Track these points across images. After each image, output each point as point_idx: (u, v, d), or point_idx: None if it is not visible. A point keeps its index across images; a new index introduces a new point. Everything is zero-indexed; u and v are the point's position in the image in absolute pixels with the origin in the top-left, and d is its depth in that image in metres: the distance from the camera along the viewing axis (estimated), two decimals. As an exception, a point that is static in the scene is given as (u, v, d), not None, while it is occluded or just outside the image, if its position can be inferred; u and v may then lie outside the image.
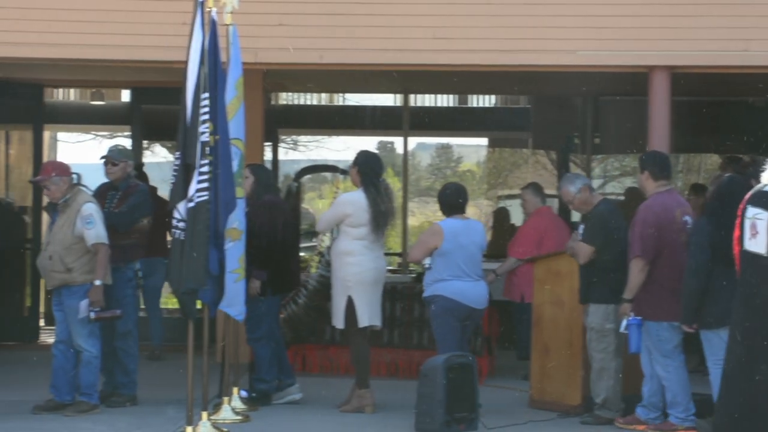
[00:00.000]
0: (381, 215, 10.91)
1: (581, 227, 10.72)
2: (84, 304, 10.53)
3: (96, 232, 10.57)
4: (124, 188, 11.27)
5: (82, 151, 24.60)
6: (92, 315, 10.56)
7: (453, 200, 11.00)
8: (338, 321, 10.93)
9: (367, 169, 11.05)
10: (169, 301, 17.99)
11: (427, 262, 10.83)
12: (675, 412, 10.02)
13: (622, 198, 16.44)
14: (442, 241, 10.69)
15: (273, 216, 11.28)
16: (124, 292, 11.12)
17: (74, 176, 11.00)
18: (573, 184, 10.83)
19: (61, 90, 19.91)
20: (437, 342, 10.85)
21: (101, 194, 11.36)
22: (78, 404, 10.66)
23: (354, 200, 10.96)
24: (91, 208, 10.64)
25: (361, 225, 10.87)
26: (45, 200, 11.41)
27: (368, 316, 10.86)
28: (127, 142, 17.37)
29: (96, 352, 10.69)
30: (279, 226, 11.35)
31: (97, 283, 10.55)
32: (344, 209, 10.98)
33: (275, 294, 11.43)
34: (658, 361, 10.06)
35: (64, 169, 10.86)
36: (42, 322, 16.67)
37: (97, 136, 23.60)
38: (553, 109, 18.32)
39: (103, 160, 11.35)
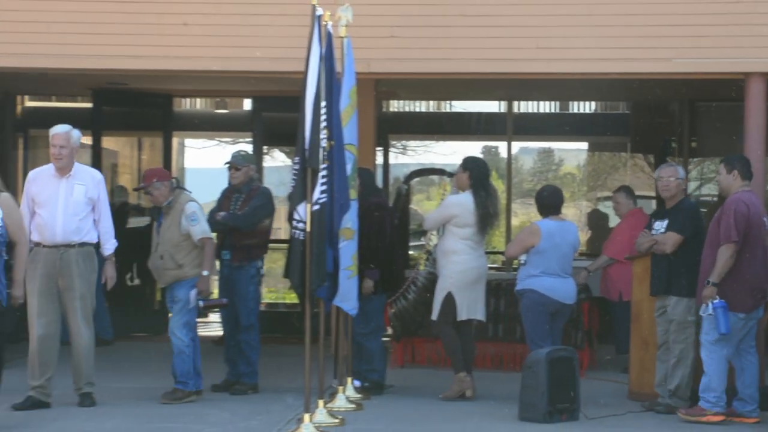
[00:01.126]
0: (488, 217, 10.99)
1: (657, 223, 10.67)
2: (193, 293, 10.67)
3: (201, 227, 10.70)
4: (247, 191, 11.34)
5: (206, 156, 24.84)
6: (201, 303, 10.73)
7: (549, 201, 11.02)
8: (434, 313, 11.07)
9: (477, 173, 11.07)
10: (287, 296, 18.13)
11: (522, 258, 10.90)
12: (707, 397, 9.94)
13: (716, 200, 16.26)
14: (540, 240, 10.72)
15: (381, 217, 11.32)
16: (248, 288, 11.24)
17: (174, 180, 11.13)
18: (680, 171, 10.87)
19: (188, 99, 20.12)
20: (527, 333, 10.90)
21: (226, 197, 11.49)
22: (174, 392, 10.75)
23: (462, 202, 11.01)
24: (194, 206, 10.77)
25: (467, 226, 10.91)
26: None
27: (467, 310, 10.97)
28: (248, 148, 17.50)
29: (188, 341, 10.74)
30: (386, 228, 11.40)
31: (205, 273, 10.70)
32: (452, 210, 11.03)
33: (383, 292, 11.51)
34: (706, 347, 9.99)
35: (164, 175, 11.03)
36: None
37: (221, 142, 23.81)
38: (650, 114, 18.13)
39: (227, 165, 11.44)
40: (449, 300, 10.94)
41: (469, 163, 11.25)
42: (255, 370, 11.34)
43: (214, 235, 11.03)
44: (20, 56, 12.06)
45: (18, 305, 9.37)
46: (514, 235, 16.66)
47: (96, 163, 16.54)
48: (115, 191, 17.19)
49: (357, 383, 11.11)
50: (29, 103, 18.46)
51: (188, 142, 22.87)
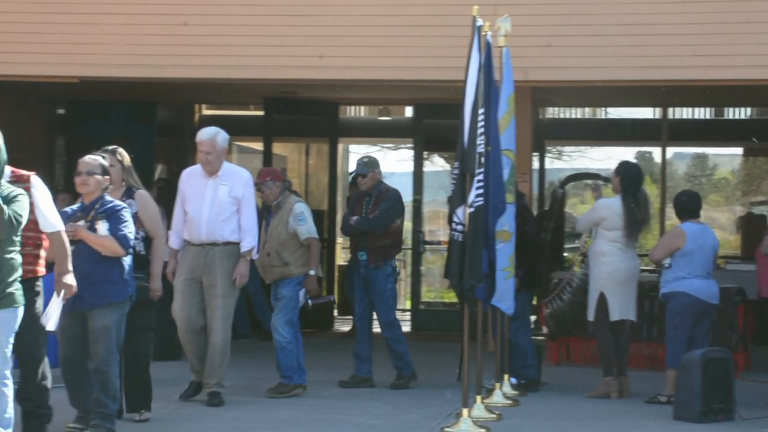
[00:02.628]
0: (636, 223, 10.89)
1: None
2: (302, 292, 10.69)
3: (308, 227, 10.71)
4: (377, 194, 11.29)
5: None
6: (310, 302, 10.75)
7: (689, 205, 10.93)
8: (590, 314, 10.98)
9: (629, 179, 10.98)
10: (445, 295, 18.14)
11: (666, 261, 10.72)
12: None
13: None
14: (685, 243, 10.60)
15: (523, 219, 11.24)
16: (385, 286, 11.19)
17: (285, 182, 11.18)
18: None
19: (353, 107, 20.29)
20: (669, 334, 10.75)
21: (357, 201, 11.50)
22: (279, 386, 10.72)
23: (610, 205, 10.96)
24: (302, 207, 10.80)
25: (615, 229, 10.84)
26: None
27: (619, 310, 10.86)
28: (409, 153, 17.57)
29: (290, 338, 10.70)
30: (529, 229, 11.35)
31: (311, 273, 10.70)
32: (600, 213, 10.99)
33: (527, 291, 11.50)
34: None
35: (277, 175, 11.04)
36: (335, 312, 17.02)
37: (383, 147, 23.94)
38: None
39: (354, 175, 11.52)
40: (602, 301, 10.88)
41: (622, 167, 11.18)
42: (407, 361, 11.32)
43: (344, 234, 11.00)
44: (203, 68, 12.32)
45: (156, 298, 9.32)
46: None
47: (267, 166, 16.80)
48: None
49: (514, 381, 11.06)
50: (206, 112, 18.83)
51: (352, 147, 23.02)
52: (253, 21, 12.04)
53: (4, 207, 7.06)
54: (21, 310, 7.38)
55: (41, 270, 7.89)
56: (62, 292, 7.79)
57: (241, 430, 9.18)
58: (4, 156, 7.40)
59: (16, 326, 7.36)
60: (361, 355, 11.41)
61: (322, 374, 11.53)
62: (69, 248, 7.89)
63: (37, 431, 7.89)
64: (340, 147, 19.07)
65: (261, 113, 17.32)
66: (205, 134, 10.24)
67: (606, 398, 10.84)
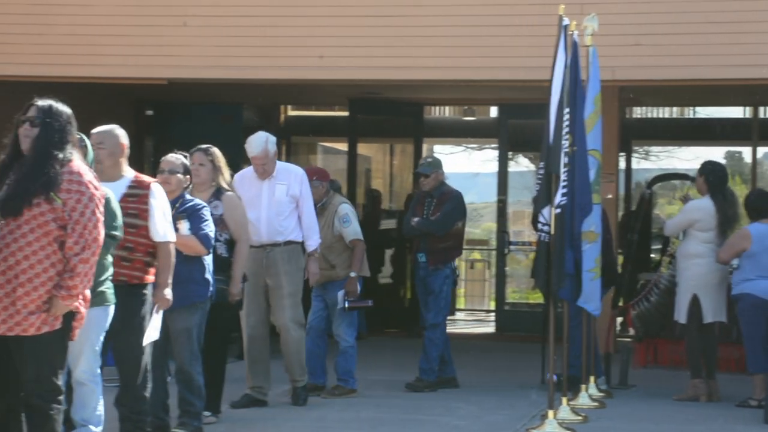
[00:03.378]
0: (727, 221, 10.80)
1: None
2: (341, 294, 10.60)
3: (353, 229, 10.65)
4: (439, 195, 11.21)
5: (453, 161, 24.97)
6: (346, 304, 10.66)
7: (757, 205, 10.82)
8: (681, 316, 10.88)
9: (714, 177, 10.91)
10: (530, 296, 18.07)
11: (735, 262, 10.69)
12: None
13: None
14: (751, 244, 10.48)
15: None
16: (441, 288, 11.07)
17: (331, 182, 11.10)
18: None
19: (437, 108, 20.29)
20: (744, 336, 10.65)
21: (419, 202, 11.44)
22: (335, 388, 10.73)
23: (702, 207, 10.88)
24: (347, 209, 10.74)
25: (709, 230, 10.75)
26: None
27: (712, 312, 10.78)
28: (493, 154, 17.53)
29: (352, 341, 10.73)
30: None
31: (352, 275, 10.63)
32: (693, 215, 10.90)
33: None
34: None
35: (324, 174, 10.96)
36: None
37: (467, 148, 23.94)
38: None
39: (416, 175, 11.48)
40: (695, 302, 10.78)
41: (706, 167, 11.11)
42: (434, 369, 11.14)
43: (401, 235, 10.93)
44: (288, 69, 12.40)
45: (234, 302, 9.33)
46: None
47: (351, 168, 16.90)
48: (367, 194, 17.49)
49: (601, 382, 11.03)
50: (291, 113, 18.95)
51: (437, 147, 23.02)
52: (338, 22, 12.08)
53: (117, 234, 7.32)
54: (112, 309, 7.47)
55: (150, 278, 7.89)
56: (157, 305, 7.86)
57: (326, 428, 9.21)
58: (92, 156, 7.53)
59: (107, 325, 7.45)
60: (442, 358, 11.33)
61: (408, 374, 11.55)
62: (173, 261, 7.95)
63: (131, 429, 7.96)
64: (425, 147, 19.05)
65: (346, 114, 17.39)
66: (256, 147, 10.03)
67: (695, 401, 10.74)
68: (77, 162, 6.69)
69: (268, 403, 9.90)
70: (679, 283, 11.01)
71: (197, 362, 8.68)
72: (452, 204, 11.20)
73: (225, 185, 9.29)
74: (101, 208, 6.67)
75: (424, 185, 11.36)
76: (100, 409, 7.49)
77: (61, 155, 6.58)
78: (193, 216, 8.54)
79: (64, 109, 6.77)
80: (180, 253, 8.33)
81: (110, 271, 7.45)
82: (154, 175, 8.49)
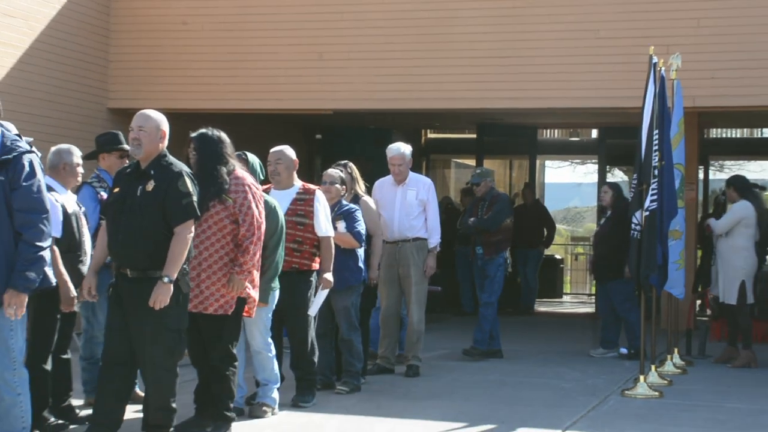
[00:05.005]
0: (762, 215, 10.77)
1: None
2: None
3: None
4: (490, 198, 10.98)
5: (561, 174, 24.77)
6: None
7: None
8: (732, 298, 10.72)
9: (741, 184, 11.03)
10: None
11: None
12: None
13: None
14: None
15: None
16: (495, 273, 10.81)
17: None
18: None
19: (548, 130, 20.16)
20: None
21: (474, 205, 11.24)
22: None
23: (746, 206, 10.83)
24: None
25: (751, 226, 10.70)
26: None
27: (753, 294, 10.74)
28: (594, 167, 17.33)
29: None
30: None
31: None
32: (741, 213, 10.81)
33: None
34: None
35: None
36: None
37: (573, 163, 23.74)
38: None
39: (469, 185, 11.35)
40: (742, 287, 10.63)
41: (731, 180, 11.25)
42: (485, 339, 10.85)
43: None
44: (429, 100, 12.43)
45: (373, 285, 9.29)
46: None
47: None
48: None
49: (623, 350, 11.15)
50: (430, 135, 19.01)
51: (548, 162, 22.88)
52: (467, 62, 12.07)
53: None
54: (277, 293, 7.59)
55: (315, 265, 8.03)
56: (321, 285, 8.00)
57: (460, 386, 9.22)
58: (256, 166, 7.57)
59: (273, 306, 7.55)
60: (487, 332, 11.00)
61: (522, 345, 11.50)
62: (333, 252, 8.05)
63: (307, 390, 8.04)
64: (538, 162, 18.97)
65: (474, 136, 17.40)
66: (395, 151, 9.89)
67: (747, 367, 10.55)
68: (239, 171, 6.83)
69: (394, 371, 9.76)
70: (726, 271, 10.79)
71: (356, 332, 8.75)
72: (501, 205, 11.01)
73: (360, 192, 9.28)
74: (261, 205, 6.82)
75: (476, 192, 11.22)
76: (276, 370, 7.61)
77: (225, 168, 6.72)
78: (349, 217, 8.64)
79: (213, 134, 6.83)
80: (338, 246, 8.43)
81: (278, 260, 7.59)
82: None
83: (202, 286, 6.65)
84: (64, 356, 7.03)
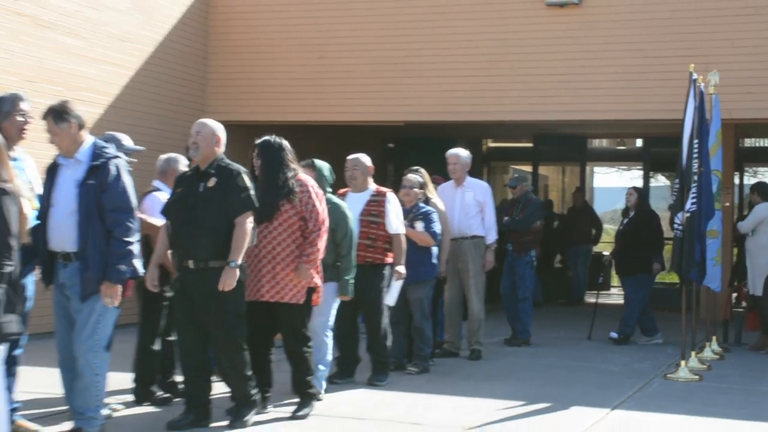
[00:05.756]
0: None
1: None
2: None
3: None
4: (524, 201, 10.89)
5: (608, 179, 24.50)
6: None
7: None
8: (758, 290, 10.70)
9: (763, 189, 10.96)
10: (666, 277, 17.59)
11: None
12: None
13: None
14: None
15: (655, 219, 11.33)
16: (525, 271, 10.70)
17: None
18: None
19: (596, 139, 19.99)
20: None
21: (510, 206, 11.15)
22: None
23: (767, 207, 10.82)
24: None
25: None
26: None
27: None
28: (639, 173, 17.15)
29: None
30: (656, 225, 11.35)
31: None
32: (763, 214, 10.75)
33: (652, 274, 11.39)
34: None
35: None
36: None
37: (619, 169, 23.47)
38: None
39: (508, 187, 11.35)
40: (767, 282, 10.56)
41: (753, 186, 11.22)
42: (527, 329, 10.72)
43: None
44: (491, 113, 12.42)
45: (443, 278, 9.28)
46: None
47: (534, 184, 16.82)
48: (545, 203, 17.36)
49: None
50: (491, 144, 18.97)
51: (596, 169, 22.66)
52: (524, 78, 12.06)
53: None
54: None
55: (388, 259, 8.03)
56: (395, 277, 8.02)
57: (517, 369, 9.19)
58: (326, 172, 7.47)
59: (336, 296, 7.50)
60: (512, 321, 10.92)
61: (574, 333, 11.45)
62: (404, 247, 8.04)
63: (381, 371, 8.07)
64: (587, 169, 18.83)
65: (530, 145, 17.31)
66: (451, 153, 9.86)
67: (760, 350, 10.61)
68: (301, 174, 6.78)
69: (459, 355, 9.74)
70: (753, 267, 10.77)
71: (427, 321, 8.76)
72: (532, 209, 10.92)
73: (431, 195, 9.27)
74: (323, 202, 6.78)
75: (514, 193, 11.18)
76: (329, 356, 7.48)
77: (290, 173, 6.69)
78: (426, 218, 8.65)
79: (275, 141, 6.75)
80: (415, 243, 8.49)
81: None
82: (396, 190, 8.64)
83: (278, 278, 6.61)
84: (170, 338, 7.12)
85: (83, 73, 11.00)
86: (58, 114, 5.63)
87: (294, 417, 6.64)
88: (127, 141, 6.82)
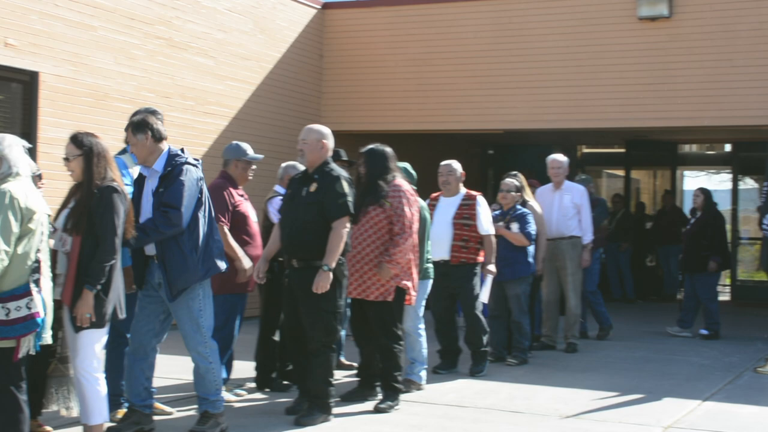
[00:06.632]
0: None
1: None
2: None
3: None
4: (591, 202, 10.30)
5: (698, 183, 23.82)
6: None
7: None
8: None
9: None
10: (755, 275, 16.98)
11: None
12: None
13: None
14: None
15: (720, 219, 11.03)
16: (593, 266, 10.20)
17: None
18: None
19: (686, 145, 19.41)
20: None
21: None
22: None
23: None
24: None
25: None
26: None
27: None
28: (728, 176, 16.60)
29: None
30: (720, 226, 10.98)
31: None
32: None
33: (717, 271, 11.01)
34: None
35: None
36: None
37: (708, 173, 22.75)
38: None
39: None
40: None
41: None
42: (607, 318, 10.37)
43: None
44: (585, 121, 12.19)
45: (539, 276, 9.12)
46: None
47: (626, 187, 16.48)
48: (637, 205, 16.97)
49: (704, 332, 10.58)
50: (585, 150, 18.62)
51: (686, 173, 22.03)
52: (621, 88, 11.80)
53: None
54: (430, 283, 7.41)
55: (480, 258, 7.94)
56: (487, 275, 7.93)
57: (612, 361, 8.99)
58: (414, 178, 7.36)
59: (426, 293, 7.38)
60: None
61: (666, 327, 11.12)
62: (494, 247, 7.91)
63: (480, 361, 7.95)
64: (678, 173, 18.31)
65: (623, 150, 16.94)
66: (554, 158, 9.67)
67: None
68: (399, 179, 6.68)
69: (555, 347, 9.55)
70: None
71: (525, 316, 8.65)
72: (600, 209, 10.70)
73: (528, 198, 9.12)
74: (415, 207, 6.66)
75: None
76: (424, 352, 7.32)
77: (390, 177, 6.63)
78: (522, 220, 8.54)
79: (382, 149, 6.68)
80: (511, 243, 8.41)
81: (426, 256, 7.35)
82: (495, 195, 8.53)
83: (365, 277, 6.49)
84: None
85: (211, 89, 11.22)
86: (136, 126, 5.59)
87: (377, 410, 6.47)
88: (248, 150, 6.89)
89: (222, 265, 5.69)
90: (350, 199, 6.09)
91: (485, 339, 8.00)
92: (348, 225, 6.10)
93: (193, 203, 5.49)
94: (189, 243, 5.47)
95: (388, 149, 6.74)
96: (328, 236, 5.97)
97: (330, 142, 6.25)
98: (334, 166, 6.22)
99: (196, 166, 5.59)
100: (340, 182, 6.07)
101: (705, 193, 11.04)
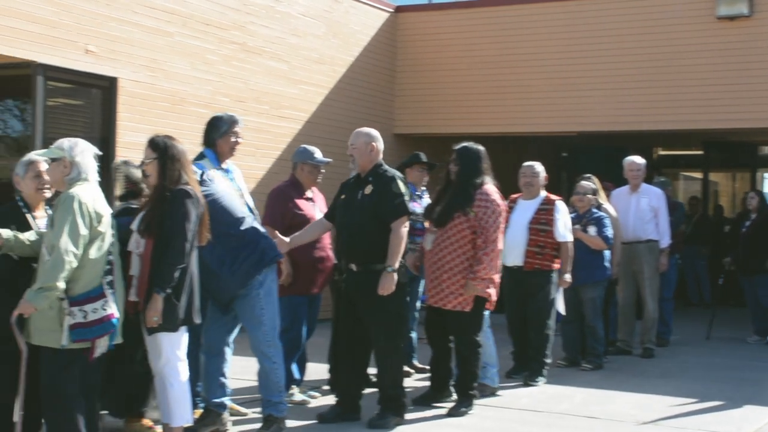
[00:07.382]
0: None
1: None
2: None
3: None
4: (670, 205, 10.11)
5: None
6: None
7: None
8: None
9: None
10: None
11: None
12: None
13: None
14: None
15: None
16: (670, 271, 9.88)
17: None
18: None
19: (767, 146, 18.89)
20: None
21: None
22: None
23: None
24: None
25: None
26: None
27: None
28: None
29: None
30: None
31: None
32: None
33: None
34: None
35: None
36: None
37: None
38: None
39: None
40: None
41: None
42: (669, 329, 10.04)
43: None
44: (661, 122, 11.99)
45: (615, 280, 8.91)
46: None
47: (704, 190, 16.10)
48: (715, 208, 16.58)
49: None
50: (661, 152, 18.26)
51: (766, 174, 21.46)
52: (698, 89, 11.57)
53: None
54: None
55: (555, 266, 7.71)
56: (560, 285, 7.76)
57: (690, 367, 8.79)
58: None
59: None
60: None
61: (747, 333, 10.81)
62: (571, 255, 7.72)
63: (537, 370, 7.73)
64: (758, 175, 17.82)
65: (700, 152, 16.55)
66: (631, 161, 9.54)
67: None
68: (488, 185, 6.54)
69: (632, 353, 9.35)
70: None
71: (600, 320, 8.55)
72: (678, 213, 10.54)
73: (602, 201, 8.96)
74: (500, 218, 6.44)
75: None
76: (493, 354, 7.13)
77: (478, 181, 6.50)
78: (598, 223, 8.44)
79: (475, 148, 6.57)
80: (588, 247, 8.28)
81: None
82: (569, 197, 8.40)
83: (443, 285, 6.39)
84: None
85: (285, 93, 11.31)
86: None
87: (450, 414, 6.42)
88: (316, 153, 6.89)
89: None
90: (407, 198, 6.02)
91: (548, 350, 7.77)
92: (407, 224, 6.02)
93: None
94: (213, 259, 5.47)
95: (481, 148, 6.63)
96: (386, 239, 5.88)
97: (379, 144, 6.17)
98: (386, 167, 6.15)
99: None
100: (395, 182, 6.00)
101: (760, 195, 10.86)
